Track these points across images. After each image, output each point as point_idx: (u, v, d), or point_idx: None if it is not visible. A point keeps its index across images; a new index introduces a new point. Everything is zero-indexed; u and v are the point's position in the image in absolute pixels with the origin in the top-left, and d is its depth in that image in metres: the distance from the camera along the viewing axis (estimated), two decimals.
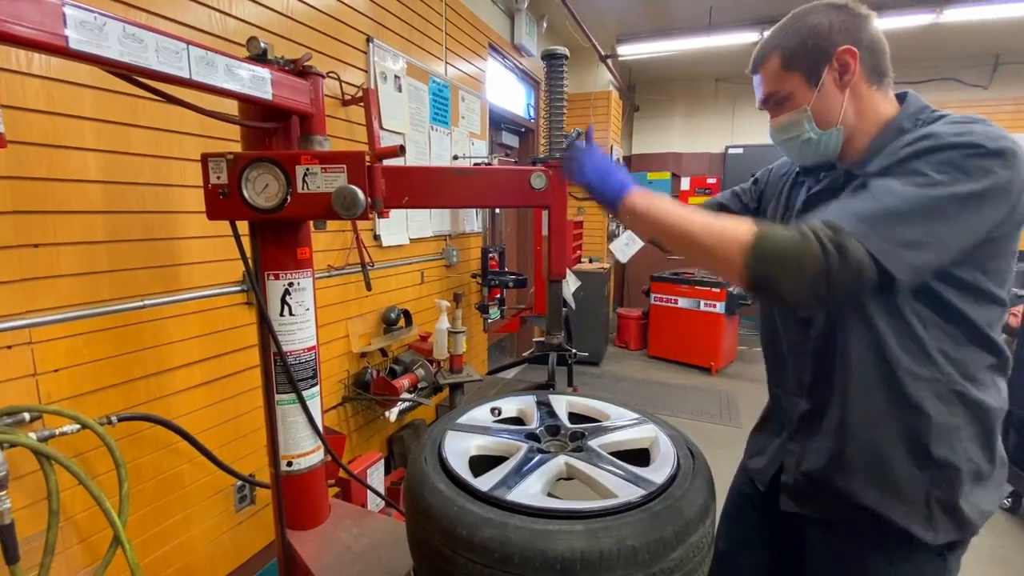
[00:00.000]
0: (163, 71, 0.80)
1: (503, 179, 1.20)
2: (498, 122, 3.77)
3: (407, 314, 2.47)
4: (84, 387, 1.28)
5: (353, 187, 1.05)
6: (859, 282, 0.72)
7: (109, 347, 1.33)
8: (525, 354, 1.33)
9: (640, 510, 0.80)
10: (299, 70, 1.10)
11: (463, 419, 1.13)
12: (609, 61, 4.66)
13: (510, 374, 4.01)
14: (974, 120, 0.78)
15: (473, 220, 3.24)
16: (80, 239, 1.26)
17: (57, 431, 1.09)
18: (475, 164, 2.76)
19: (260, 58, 1.05)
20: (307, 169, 1.07)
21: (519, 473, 0.90)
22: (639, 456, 1.03)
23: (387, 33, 2.32)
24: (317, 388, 1.31)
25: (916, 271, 0.74)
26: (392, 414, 2.12)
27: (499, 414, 1.20)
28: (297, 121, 1.17)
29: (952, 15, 3.86)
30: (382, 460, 1.78)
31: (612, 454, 1.00)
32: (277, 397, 1.24)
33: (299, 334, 1.24)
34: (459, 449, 1.00)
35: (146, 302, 1.40)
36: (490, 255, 3.12)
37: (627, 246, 4.25)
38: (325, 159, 1.07)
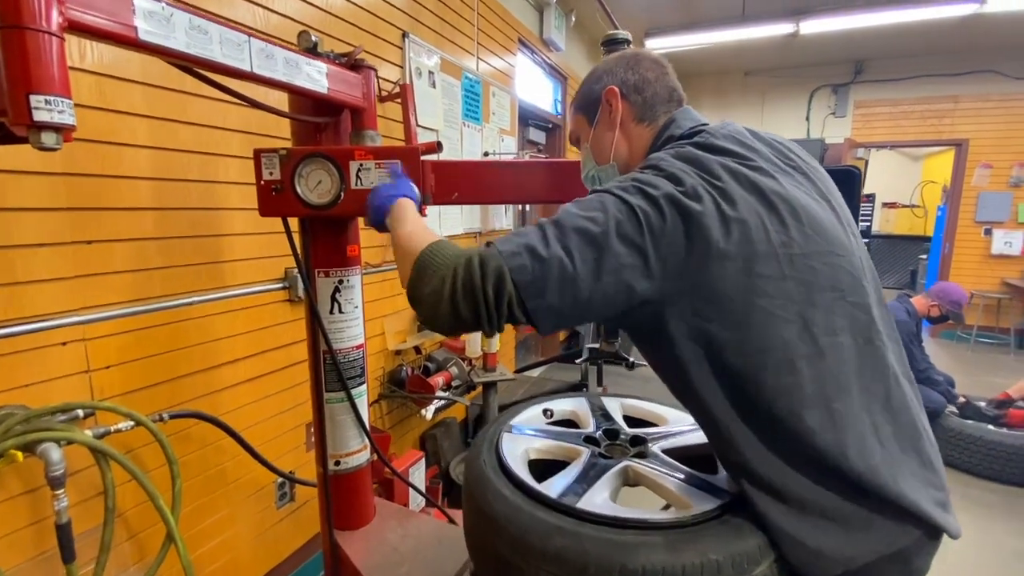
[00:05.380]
0: (227, 63, 0.78)
1: (558, 172, 1.16)
2: (526, 118, 3.73)
3: None
4: (135, 383, 1.28)
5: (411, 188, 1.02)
6: (501, 290, 0.65)
7: (159, 343, 1.33)
8: (578, 361, 1.29)
9: (718, 521, 0.76)
10: (351, 64, 1.08)
11: (517, 420, 1.09)
12: None
13: (535, 372, 3.98)
14: (670, 157, 0.71)
15: (503, 216, 3.21)
16: (132, 236, 1.26)
17: (112, 428, 1.09)
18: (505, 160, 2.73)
19: (311, 52, 1.03)
20: (360, 164, 1.05)
21: (585, 479, 0.87)
22: (703, 462, 0.99)
23: (422, 28, 2.30)
24: (364, 386, 1.29)
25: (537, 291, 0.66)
26: (428, 412, 2.10)
27: (551, 416, 1.17)
28: (348, 116, 1.15)
29: (996, 4, 3.70)
30: (423, 459, 1.77)
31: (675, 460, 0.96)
32: (326, 395, 1.22)
33: (348, 332, 1.23)
34: (517, 452, 0.97)
35: (193, 299, 1.40)
36: None
37: None
38: (379, 154, 1.04)
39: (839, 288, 0.71)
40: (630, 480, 0.92)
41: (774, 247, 0.67)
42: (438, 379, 2.19)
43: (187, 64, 0.77)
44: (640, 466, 0.91)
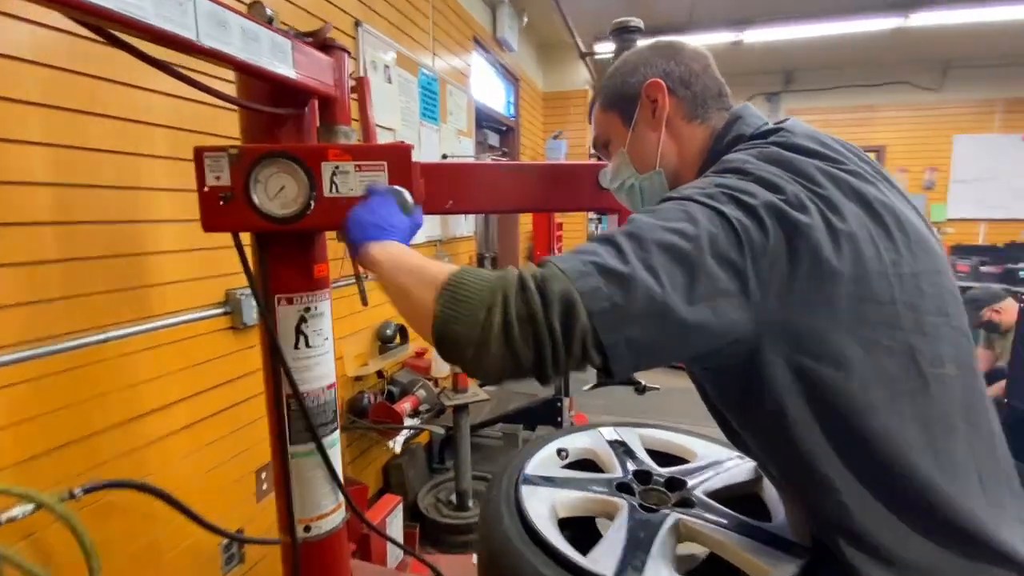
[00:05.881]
0: (164, 28, 0.57)
1: (563, 177, 1.02)
2: (480, 120, 3.58)
3: (403, 330, 2.24)
4: (33, 448, 1.00)
5: (401, 189, 0.84)
6: (572, 321, 0.49)
7: (64, 394, 1.05)
8: (585, 388, 1.14)
9: None
10: (320, 43, 0.88)
11: (531, 468, 0.93)
12: (587, 59, 4.55)
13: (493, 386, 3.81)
14: (749, 159, 0.60)
15: (462, 223, 3.03)
16: (24, 259, 0.98)
17: (3, 517, 0.82)
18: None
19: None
20: (336, 167, 0.85)
21: (638, 545, 0.73)
22: (746, 503, 0.88)
23: (376, 18, 2.09)
24: (337, 433, 1.08)
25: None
26: (396, 444, 1.88)
27: (566, 457, 1.02)
28: (314, 109, 0.95)
29: (916, 20, 3.98)
30: (400, 505, 1.56)
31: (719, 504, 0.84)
32: (291, 449, 1.00)
33: (317, 370, 1.01)
34: (543, 511, 0.81)
35: (110, 334, 1.12)
36: (485, 261, 2.92)
37: None
38: (360, 154, 0.85)
39: (944, 311, 0.61)
40: (682, 538, 0.78)
41: (885, 266, 0.56)
42: (405, 405, 1.98)
43: (105, 23, 0.55)
44: (691, 520, 0.78)
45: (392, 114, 2.16)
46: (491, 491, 0.87)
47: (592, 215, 5.06)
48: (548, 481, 0.89)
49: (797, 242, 0.53)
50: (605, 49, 4.55)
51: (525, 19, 3.87)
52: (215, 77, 0.87)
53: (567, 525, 0.83)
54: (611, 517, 0.82)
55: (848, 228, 0.55)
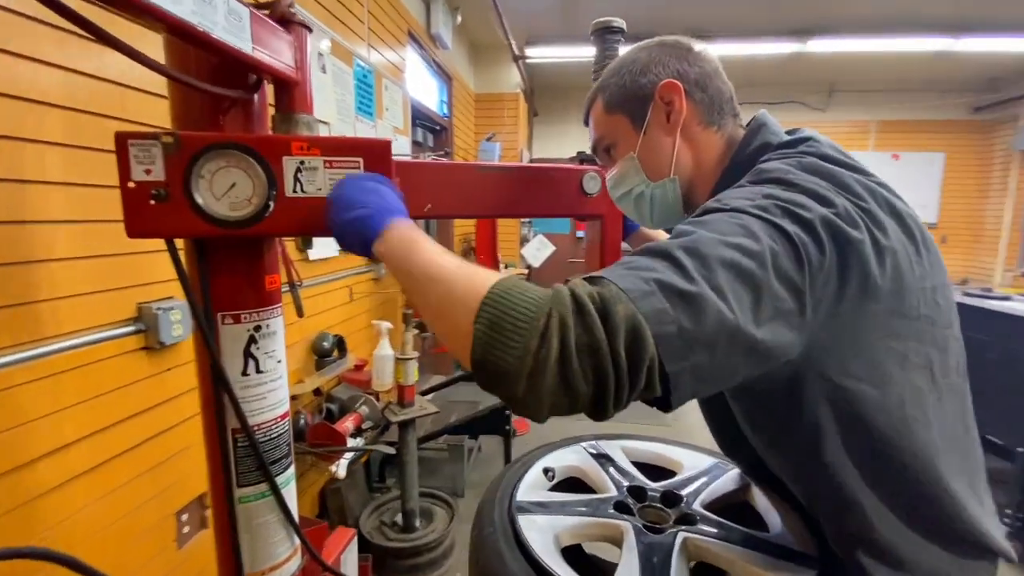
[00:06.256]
0: None
1: (548, 181, 0.96)
2: (415, 118, 3.43)
3: (341, 342, 2.06)
4: None
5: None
6: (640, 350, 0.43)
7: None
8: None
9: None
10: (279, 16, 0.75)
11: (522, 495, 0.86)
12: (520, 62, 4.54)
13: (429, 396, 3.67)
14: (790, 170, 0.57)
15: None
16: None
17: None
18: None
19: None
20: (302, 162, 0.73)
21: (653, 573, 0.68)
22: (740, 513, 0.87)
23: (308, 1, 1.91)
24: (292, 469, 0.94)
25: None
26: (340, 468, 1.72)
27: (553, 477, 0.96)
28: (263, 94, 0.81)
29: (813, 46, 4.41)
30: (355, 538, 1.41)
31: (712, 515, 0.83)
32: (239, 493, 0.85)
33: (270, 397, 0.87)
34: (547, 543, 0.74)
35: None
36: None
37: (539, 251, 4.14)
38: (330, 148, 0.74)
39: (950, 323, 0.63)
40: (691, 557, 0.75)
41: (916, 280, 0.57)
42: (347, 424, 1.82)
43: None
44: (697, 538, 0.75)
45: (327, 106, 1.99)
46: (483, 524, 0.79)
47: (524, 219, 5.06)
48: (542, 507, 0.83)
49: (849, 259, 0.51)
50: (537, 53, 4.58)
51: (459, 18, 3.78)
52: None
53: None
54: (614, 541, 0.77)
55: (891, 244, 0.54)
